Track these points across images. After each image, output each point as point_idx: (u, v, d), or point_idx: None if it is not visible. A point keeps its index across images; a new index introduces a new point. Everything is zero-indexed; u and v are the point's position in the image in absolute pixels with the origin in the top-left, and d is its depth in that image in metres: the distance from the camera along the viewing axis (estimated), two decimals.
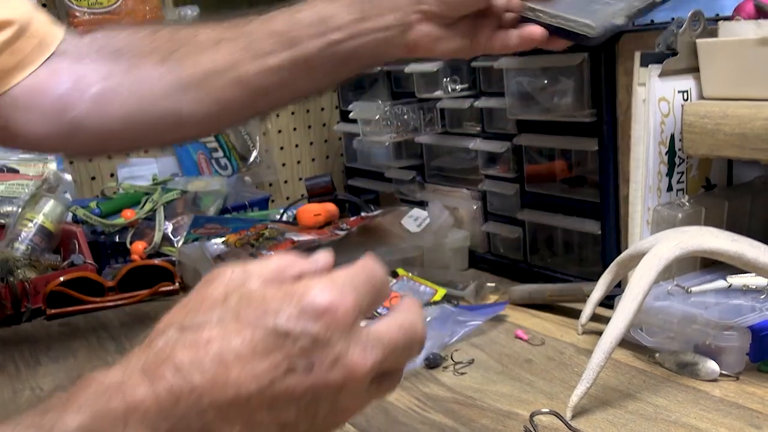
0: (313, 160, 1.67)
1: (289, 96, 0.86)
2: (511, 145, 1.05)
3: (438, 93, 1.14)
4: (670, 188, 0.91)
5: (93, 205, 1.25)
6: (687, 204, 0.90)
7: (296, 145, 1.65)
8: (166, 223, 1.24)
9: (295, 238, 1.00)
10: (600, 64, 0.90)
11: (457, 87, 1.11)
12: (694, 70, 0.88)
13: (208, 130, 1.07)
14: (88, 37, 0.86)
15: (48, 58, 0.83)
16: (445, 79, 1.12)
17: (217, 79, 0.81)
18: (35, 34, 0.82)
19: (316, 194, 1.16)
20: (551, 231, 1.05)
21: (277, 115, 1.61)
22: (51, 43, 0.84)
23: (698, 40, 0.87)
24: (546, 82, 0.96)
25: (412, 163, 1.26)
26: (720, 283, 0.84)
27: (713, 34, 0.88)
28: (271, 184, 1.62)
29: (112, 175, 1.47)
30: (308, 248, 1.01)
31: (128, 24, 0.85)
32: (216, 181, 1.38)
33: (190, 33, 0.83)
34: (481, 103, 1.09)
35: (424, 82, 1.17)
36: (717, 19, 0.93)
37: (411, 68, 1.17)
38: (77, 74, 0.82)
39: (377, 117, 1.16)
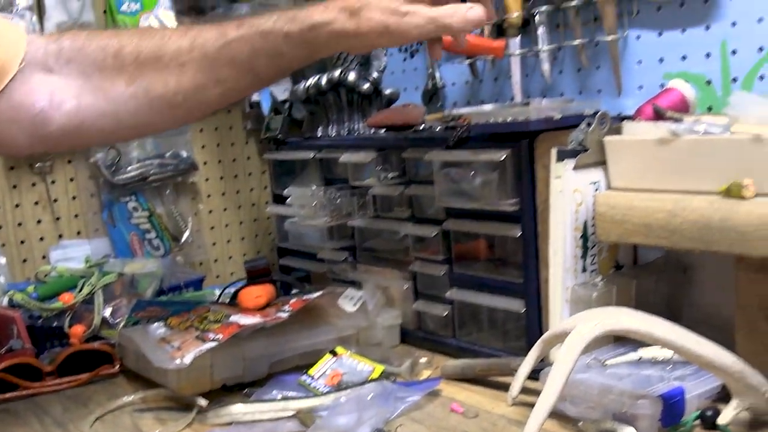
0: (243, 239, 1.72)
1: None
2: (440, 229, 1.13)
3: (370, 181, 1.22)
4: (584, 269, 1.01)
5: (30, 289, 1.27)
6: (600, 284, 1.00)
7: (226, 225, 1.70)
8: (105, 306, 1.26)
9: (242, 322, 1.05)
10: (521, 160, 1.00)
11: (389, 175, 1.20)
12: (602, 163, 1.00)
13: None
14: (54, 45, 0.87)
15: (20, 69, 0.84)
16: (377, 168, 1.20)
17: (185, 101, 0.87)
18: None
19: (255, 276, 1.21)
20: (478, 308, 1.13)
21: (209, 196, 1.66)
22: (18, 54, 0.85)
23: (605, 138, 0.98)
24: (472, 174, 1.06)
25: (345, 245, 1.33)
26: (632, 356, 0.93)
27: (618, 131, 1.00)
28: (201, 263, 1.66)
29: (44, 257, 1.48)
30: (254, 331, 1.06)
31: (91, 32, 0.88)
32: (151, 263, 1.42)
33: (155, 53, 0.86)
34: (411, 190, 1.17)
35: (357, 170, 1.25)
36: (621, 118, 1.05)
37: (345, 158, 1.25)
38: (50, 89, 0.85)
39: (314, 203, 1.23)
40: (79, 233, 1.52)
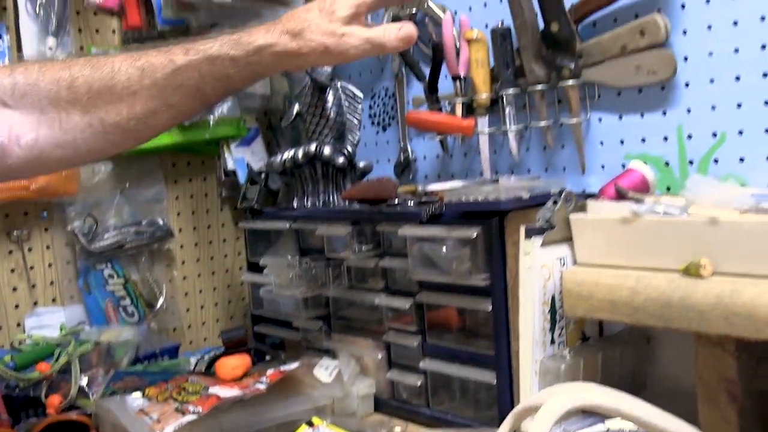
0: (216, 304, 1.74)
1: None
2: (413, 301, 1.17)
3: (345, 253, 1.26)
4: (552, 341, 1.05)
5: (8, 358, 1.27)
6: (568, 356, 1.04)
7: (200, 291, 1.72)
8: (81, 375, 1.27)
9: (221, 394, 1.07)
10: (492, 236, 1.05)
11: (363, 248, 1.24)
12: (569, 239, 1.04)
13: None
14: (7, 80, 0.89)
15: None
16: (352, 240, 1.24)
17: (137, 126, 0.91)
18: None
19: (232, 346, 1.23)
20: (451, 379, 1.16)
21: (183, 262, 1.68)
22: None
23: (571, 216, 1.04)
24: (445, 249, 1.10)
25: (320, 314, 1.36)
26: (599, 427, 0.97)
27: (583, 208, 1.05)
28: (175, 329, 1.67)
29: (18, 324, 1.48)
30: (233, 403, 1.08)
31: (42, 64, 0.93)
32: (127, 331, 1.43)
33: (107, 83, 0.89)
34: (385, 263, 1.21)
35: (332, 242, 1.29)
36: (586, 196, 1.10)
37: (321, 230, 1.29)
38: (8, 123, 0.87)
39: (291, 275, 1.27)
40: (54, 300, 1.53)
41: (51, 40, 1.46)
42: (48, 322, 1.49)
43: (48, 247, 1.52)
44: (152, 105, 0.90)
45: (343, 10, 0.90)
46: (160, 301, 1.61)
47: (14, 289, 1.49)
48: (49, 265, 1.53)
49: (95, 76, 0.90)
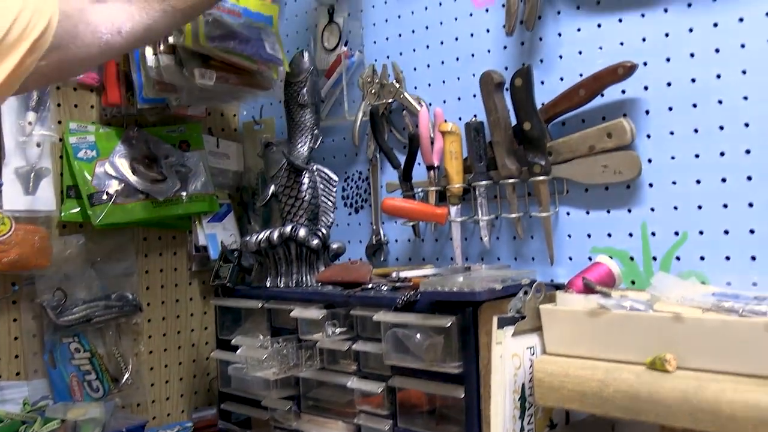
0: (181, 379, 1.73)
1: None
2: (385, 385, 1.19)
3: (319, 336, 1.28)
4: (522, 429, 1.08)
5: None
6: None
7: (165, 366, 1.71)
8: None
9: None
10: (466, 326, 1.08)
11: (337, 330, 1.26)
12: (538, 329, 1.08)
13: None
14: None
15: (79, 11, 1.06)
16: (325, 323, 1.26)
17: (192, 9, 1.20)
18: None
19: (202, 427, 1.23)
20: None
21: (150, 336, 1.68)
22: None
23: (540, 307, 1.08)
24: (419, 336, 1.13)
25: (290, 393, 1.37)
26: None
27: (552, 299, 1.09)
28: (139, 405, 1.66)
29: None
30: None
31: None
32: (93, 408, 1.42)
33: None
34: (359, 346, 1.24)
35: (305, 323, 1.31)
36: (555, 286, 1.15)
37: (296, 313, 1.31)
38: (110, 18, 1.08)
39: (264, 357, 1.28)
40: (18, 374, 1.51)
41: (31, 115, 1.47)
42: (11, 397, 1.47)
43: (15, 320, 1.51)
44: None
45: None
46: (126, 375, 1.60)
47: None
48: (15, 339, 1.51)
49: None
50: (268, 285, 1.46)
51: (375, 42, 1.51)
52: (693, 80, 1.08)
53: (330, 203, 1.48)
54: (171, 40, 1.39)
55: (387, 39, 1.49)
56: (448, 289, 1.09)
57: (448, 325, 1.08)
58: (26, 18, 0.94)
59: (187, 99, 1.51)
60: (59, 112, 1.57)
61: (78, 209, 1.54)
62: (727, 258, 1.06)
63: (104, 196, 1.53)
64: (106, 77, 1.58)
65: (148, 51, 1.45)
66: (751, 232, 1.04)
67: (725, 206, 1.06)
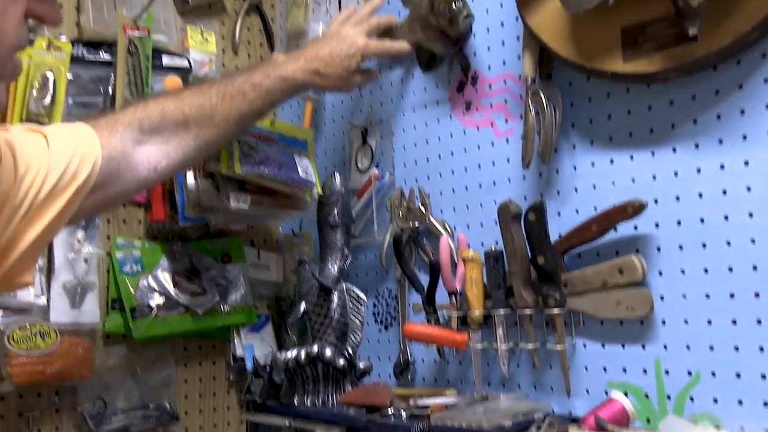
0: None
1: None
2: None
3: None
4: None
5: None
6: None
7: None
8: None
9: None
10: None
11: None
12: None
13: None
14: (136, 124, 1.16)
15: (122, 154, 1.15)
16: None
17: (224, 141, 1.33)
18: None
19: None
20: None
21: None
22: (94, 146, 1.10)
23: None
24: None
25: None
26: None
27: None
28: None
29: None
30: None
31: (156, 104, 1.21)
32: None
33: (210, 116, 1.23)
34: None
35: None
36: (572, 419, 1.15)
37: None
38: (147, 157, 1.17)
39: None
40: None
41: (80, 233, 1.57)
42: None
43: (57, 428, 1.57)
44: (235, 127, 1.28)
45: (354, 66, 1.36)
46: None
47: None
48: None
49: (201, 112, 1.22)
50: (295, 403, 1.49)
51: (405, 164, 1.56)
52: (702, 220, 1.09)
53: (358, 322, 1.51)
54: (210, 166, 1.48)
55: (416, 162, 1.54)
56: (458, 424, 1.11)
57: None
58: (75, 164, 1.03)
59: (224, 220, 1.59)
60: (108, 227, 1.66)
61: (121, 321, 1.61)
62: (740, 402, 1.04)
63: (146, 309, 1.60)
64: (153, 195, 1.67)
65: (189, 174, 1.53)
66: (763, 377, 1.02)
67: (736, 349, 1.05)
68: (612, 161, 1.21)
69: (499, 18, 1.38)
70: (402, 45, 1.42)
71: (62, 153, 1.02)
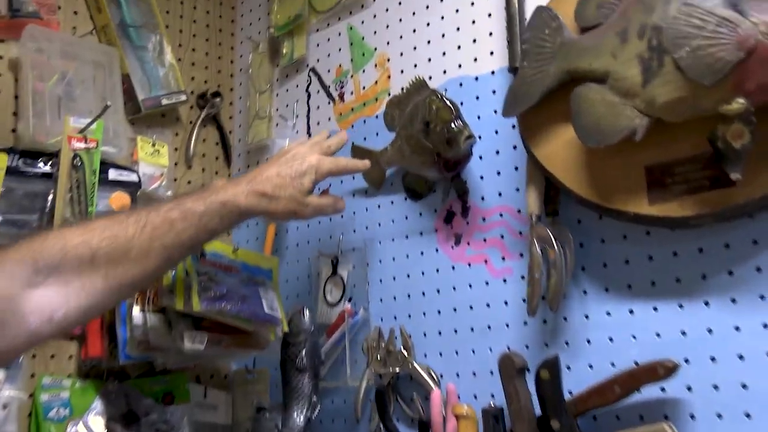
0: None
1: None
2: None
3: None
4: None
5: None
6: None
7: None
8: None
9: None
10: None
11: None
12: None
13: None
14: (30, 262, 0.92)
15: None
16: None
17: (146, 281, 1.07)
18: None
19: None
20: None
21: None
22: None
23: None
24: None
25: None
26: None
27: None
28: None
29: None
30: None
31: (58, 237, 0.97)
32: None
33: (124, 252, 0.99)
34: None
35: None
36: None
37: None
38: (40, 305, 0.92)
39: None
40: None
41: (0, 374, 1.34)
42: None
43: None
44: (160, 263, 1.03)
45: (308, 185, 1.19)
46: None
47: None
48: None
49: (113, 246, 0.98)
50: None
51: (381, 300, 1.41)
52: (744, 386, 0.96)
53: None
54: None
55: (395, 298, 1.38)
56: None
57: None
58: None
59: (173, 361, 1.39)
60: (33, 363, 1.43)
61: None
62: None
63: None
64: (89, 327, 1.46)
65: (135, 306, 1.34)
66: None
67: None
68: (631, 311, 1.08)
69: (495, 146, 1.27)
70: (363, 163, 1.29)
71: None
